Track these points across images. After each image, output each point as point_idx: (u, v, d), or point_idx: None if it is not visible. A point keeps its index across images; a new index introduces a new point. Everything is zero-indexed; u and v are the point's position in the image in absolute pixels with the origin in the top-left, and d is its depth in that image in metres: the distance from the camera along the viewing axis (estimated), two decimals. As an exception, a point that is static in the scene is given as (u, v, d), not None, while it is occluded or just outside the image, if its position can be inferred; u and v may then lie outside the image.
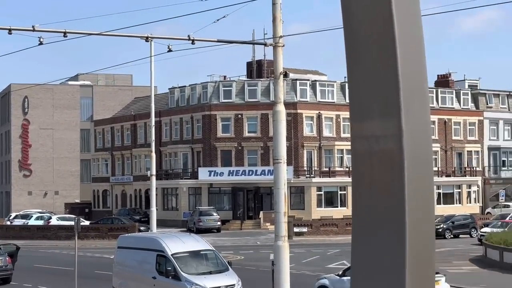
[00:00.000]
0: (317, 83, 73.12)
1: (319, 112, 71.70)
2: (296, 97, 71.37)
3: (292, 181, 67.46)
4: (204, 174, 70.40)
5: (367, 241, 3.38)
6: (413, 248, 3.24)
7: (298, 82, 72.08)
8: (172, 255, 24.21)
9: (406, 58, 3.30)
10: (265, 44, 23.25)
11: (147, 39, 27.89)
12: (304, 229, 61.56)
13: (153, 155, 42.88)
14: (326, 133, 72.09)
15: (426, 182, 3.36)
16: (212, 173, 70.26)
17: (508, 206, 73.20)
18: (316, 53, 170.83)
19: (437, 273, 28.02)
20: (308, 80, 73.62)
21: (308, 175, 71.44)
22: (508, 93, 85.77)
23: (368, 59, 3.40)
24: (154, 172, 42.37)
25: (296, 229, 60.57)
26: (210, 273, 24.54)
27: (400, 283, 3.20)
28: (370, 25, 3.35)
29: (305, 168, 71.66)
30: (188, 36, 23.40)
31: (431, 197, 3.41)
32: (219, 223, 64.80)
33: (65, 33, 22.91)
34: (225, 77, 77.42)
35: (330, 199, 70.95)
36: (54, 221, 67.11)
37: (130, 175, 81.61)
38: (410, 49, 3.32)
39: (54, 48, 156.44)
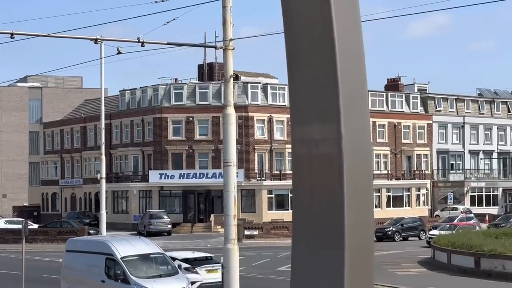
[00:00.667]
0: (268, 86, 73.30)
1: (270, 115, 71.89)
2: (247, 100, 71.47)
3: (243, 184, 67.58)
4: (154, 177, 70.11)
5: (307, 244, 3.42)
6: (352, 251, 3.28)
7: (249, 85, 72.18)
8: (121, 258, 24.05)
9: (346, 63, 3.34)
10: (215, 47, 23.28)
11: (96, 41, 27.65)
12: (255, 232, 61.67)
13: (103, 157, 42.61)
14: (277, 136, 72.29)
15: (365, 186, 3.40)
16: (163, 176, 70.01)
17: (456, 209, 74.18)
18: (267, 56, 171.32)
19: (216, 262, 28.66)
20: (260, 83, 73.78)
21: (259, 178, 71.55)
22: (456, 97, 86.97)
23: (308, 64, 3.43)
24: (104, 175, 42.14)
25: (247, 232, 60.65)
26: (160, 276, 24.44)
27: (339, 286, 3.23)
28: (310, 30, 3.39)
29: (256, 171, 71.76)
30: (138, 38, 23.29)
31: (370, 200, 3.46)
32: (169, 226, 64.56)
33: (12, 34, 22.63)
34: (176, 79, 77.22)
35: (281, 202, 71.14)
36: (1, 225, 66.22)
37: (80, 178, 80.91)
38: (349, 54, 3.36)
39: (2, 49, 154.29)
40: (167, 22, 25.40)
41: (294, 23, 3.45)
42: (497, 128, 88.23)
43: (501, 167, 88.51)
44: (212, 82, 73.48)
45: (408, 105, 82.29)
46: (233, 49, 20.76)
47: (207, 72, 77.34)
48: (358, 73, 3.40)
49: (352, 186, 3.32)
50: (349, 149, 3.31)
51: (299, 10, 3.39)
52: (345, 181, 3.29)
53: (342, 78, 3.31)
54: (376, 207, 76.42)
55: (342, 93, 3.31)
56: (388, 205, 77.51)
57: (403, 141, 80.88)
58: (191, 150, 71.17)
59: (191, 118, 71.22)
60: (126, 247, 24.91)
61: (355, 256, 3.31)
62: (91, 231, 56.81)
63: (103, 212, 41.75)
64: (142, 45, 23.19)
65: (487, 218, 70.92)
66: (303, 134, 3.42)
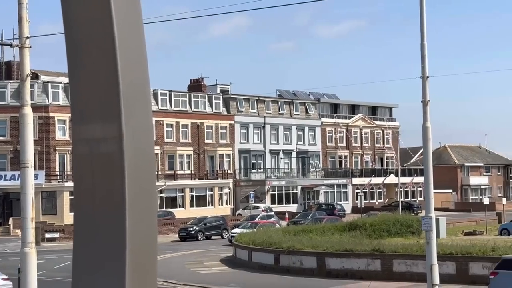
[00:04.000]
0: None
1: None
2: (48, 100, 69.64)
3: (43, 186, 65.85)
4: None
5: (89, 245, 3.34)
6: (134, 252, 3.24)
7: (50, 84, 70.36)
8: None
9: (127, 63, 3.30)
10: (11, 45, 22.42)
11: None
12: (56, 235, 60.22)
13: None
14: (79, 136, 70.88)
15: (148, 185, 3.37)
16: (-42, 178, 66.89)
17: (257, 207, 75.92)
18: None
19: None
20: (61, 82, 72.05)
21: (61, 180, 69.91)
22: (257, 98, 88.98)
23: (89, 63, 3.37)
24: None
25: (47, 235, 59.12)
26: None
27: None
28: (90, 29, 3.32)
29: (58, 173, 70.07)
30: None
31: (153, 200, 3.43)
32: (-35, 231, 61.77)
33: None
34: (-29, 78, 73.93)
35: (83, 204, 69.84)
36: None
37: None
38: (131, 54, 3.33)
39: None
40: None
41: (74, 19, 3.36)
42: (296, 128, 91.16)
43: (300, 166, 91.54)
44: (11, 81, 70.95)
45: (211, 105, 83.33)
46: (30, 47, 20.10)
47: (5, 71, 74.58)
48: (140, 72, 3.37)
49: (134, 186, 3.29)
50: (130, 149, 3.27)
51: (79, 6, 3.31)
52: (126, 181, 3.25)
53: (123, 77, 3.27)
54: (179, 206, 76.84)
55: (123, 93, 3.27)
56: (191, 205, 78.13)
57: (206, 141, 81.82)
58: (-12, 152, 68.42)
59: (-12, 118, 68.47)
60: None
61: (137, 258, 3.27)
62: None
63: None
64: None
65: (286, 215, 73.17)
66: (84, 133, 3.35)
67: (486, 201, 64.42)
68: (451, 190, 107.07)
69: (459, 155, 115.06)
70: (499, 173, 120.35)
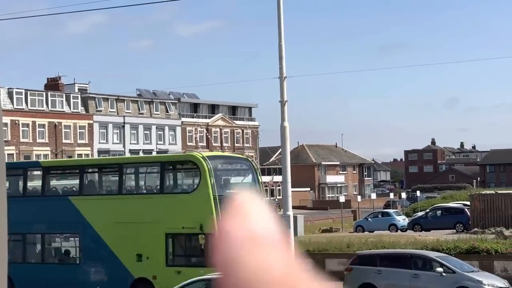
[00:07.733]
0: None
1: None
2: None
3: None
4: None
5: None
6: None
7: None
8: None
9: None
10: None
11: None
12: None
13: None
14: None
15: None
16: None
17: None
18: None
19: None
20: None
21: None
22: (116, 97, 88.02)
23: None
24: None
25: None
26: None
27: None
28: None
29: None
30: None
31: (3, 208, 3.34)
32: None
33: None
34: None
35: None
36: None
37: None
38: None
39: None
40: None
41: None
42: (156, 128, 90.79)
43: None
44: None
45: (69, 105, 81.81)
46: None
47: None
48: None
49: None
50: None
51: None
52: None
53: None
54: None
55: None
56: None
57: (64, 141, 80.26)
58: None
59: None
60: None
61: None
62: None
63: None
64: None
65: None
66: None
67: (342, 199, 66.10)
68: (308, 189, 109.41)
69: (316, 154, 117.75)
70: (354, 172, 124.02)
